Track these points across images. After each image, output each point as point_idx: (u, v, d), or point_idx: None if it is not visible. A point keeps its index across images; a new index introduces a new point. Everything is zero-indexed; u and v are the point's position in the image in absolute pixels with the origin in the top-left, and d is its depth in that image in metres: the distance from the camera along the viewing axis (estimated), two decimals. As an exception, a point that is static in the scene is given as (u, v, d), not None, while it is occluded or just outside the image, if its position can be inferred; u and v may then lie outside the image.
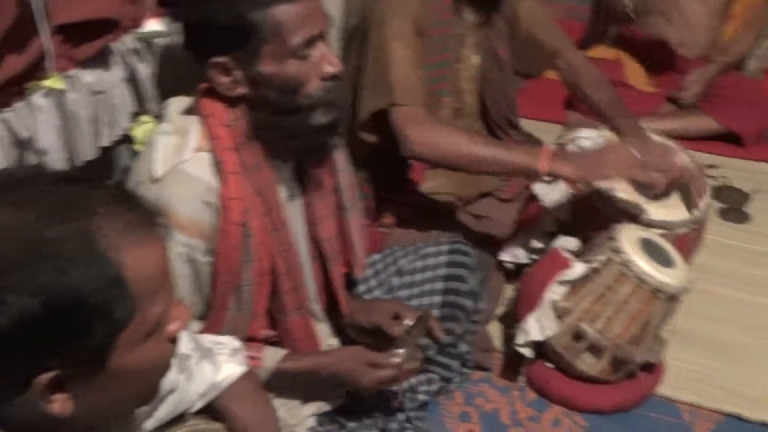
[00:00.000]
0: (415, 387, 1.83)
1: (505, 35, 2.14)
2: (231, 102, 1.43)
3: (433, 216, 2.12)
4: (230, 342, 1.37)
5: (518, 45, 2.17)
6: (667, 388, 2.00)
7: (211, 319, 1.51)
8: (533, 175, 1.89)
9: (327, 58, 1.43)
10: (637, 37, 3.21)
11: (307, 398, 1.67)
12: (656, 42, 3.15)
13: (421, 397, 1.85)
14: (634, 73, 3.21)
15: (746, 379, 2.06)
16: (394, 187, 2.11)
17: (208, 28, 1.38)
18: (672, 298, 1.86)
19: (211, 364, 1.30)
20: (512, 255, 2.14)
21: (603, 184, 1.96)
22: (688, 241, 2.06)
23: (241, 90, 1.42)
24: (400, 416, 1.77)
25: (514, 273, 2.17)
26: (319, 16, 1.43)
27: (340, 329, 1.76)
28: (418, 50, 1.93)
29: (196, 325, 1.49)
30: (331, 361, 1.59)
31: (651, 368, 1.95)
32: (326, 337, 1.73)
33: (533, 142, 2.32)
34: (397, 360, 1.58)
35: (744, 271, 2.44)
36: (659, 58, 3.21)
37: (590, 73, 2.20)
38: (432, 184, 2.11)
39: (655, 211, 2.00)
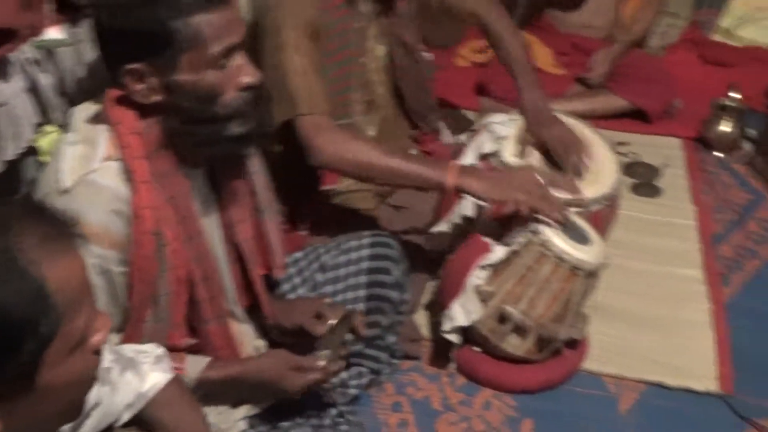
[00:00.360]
0: (345, 381, 1.83)
1: (412, 19, 2.14)
2: (143, 109, 1.41)
3: (353, 214, 2.11)
4: (153, 350, 1.34)
5: (433, 18, 2.17)
6: (591, 362, 2.04)
7: (129, 331, 1.48)
8: (441, 190, 1.90)
9: (244, 69, 1.42)
10: (540, 24, 3.28)
11: (236, 402, 1.66)
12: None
13: (352, 391, 1.85)
14: (542, 57, 3.27)
15: (666, 348, 2.12)
16: (309, 193, 2.10)
17: (126, 35, 1.36)
18: (591, 274, 1.90)
19: (135, 374, 1.28)
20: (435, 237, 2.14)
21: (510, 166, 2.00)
22: (602, 217, 2.11)
23: (156, 97, 1.39)
24: (333, 412, 1.77)
25: (438, 261, 2.18)
26: (237, 26, 1.41)
27: (266, 329, 1.75)
28: (315, 56, 1.92)
29: (115, 338, 1.46)
30: (256, 369, 1.58)
31: (575, 344, 1.99)
32: (251, 339, 1.71)
33: (457, 119, 2.33)
34: (321, 363, 1.58)
35: (657, 243, 2.51)
36: (565, 41, 3.28)
37: (508, 30, 2.22)
38: (348, 182, 2.11)
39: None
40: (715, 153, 3.02)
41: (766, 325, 2.23)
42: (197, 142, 1.45)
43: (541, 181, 1.86)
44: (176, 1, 1.34)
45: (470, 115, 2.92)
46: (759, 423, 1.92)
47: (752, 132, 3.02)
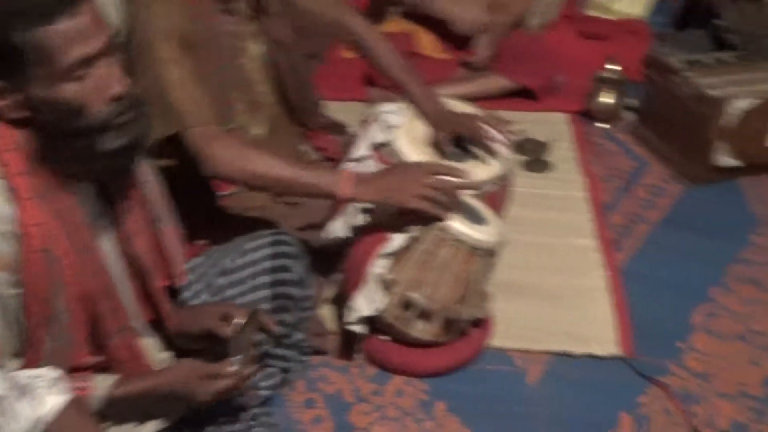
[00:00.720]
0: (256, 383, 1.81)
1: (285, 18, 2.13)
2: (16, 125, 1.35)
3: (248, 218, 2.09)
4: (48, 373, 1.31)
5: (299, 22, 2.16)
6: (498, 339, 2.08)
7: (29, 355, 1.43)
8: (334, 199, 1.91)
9: (111, 78, 1.36)
10: (419, 13, 3.32)
11: (146, 417, 1.63)
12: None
13: (264, 393, 1.83)
14: (426, 43, 3.30)
15: (568, 317, 2.18)
16: (203, 202, 2.07)
17: None
18: (490, 253, 1.93)
19: (31, 399, 1.24)
20: (332, 232, 2.14)
21: (405, 159, 2.02)
22: (497, 197, 2.15)
23: (22, 113, 1.34)
24: (245, 416, 1.75)
25: (339, 253, 2.18)
26: (94, 34, 1.34)
27: (171, 341, 1.72)
28: (192, 66, 1.89)
29: (14, 364, 1.41)
30: (167, 381, 1.55)
31: (480, 323, 2.02)
32: (156, 352, 1.68)
33: (337, 127, 2.34)
34: (233, 368, 1.56)
35: (552, 216, 2.58)
36: (447, 27, 3.32)
37: (375, 39, 2.23)
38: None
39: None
40: (600, 124, 3.12)
41: (659, 287, 2.31)
42: (73, 157, 1.40)
43: (432, 170, 1.88)
44: (18, 13, 1.29)
45: (357, 108, 2.92)
46: (659, 380, 2.00)
47: (633, 102, 3.12)
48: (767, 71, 2.93)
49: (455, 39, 3.35)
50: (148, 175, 1.60)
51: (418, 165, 1.94)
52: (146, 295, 1.63)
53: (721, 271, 2.39)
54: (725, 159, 2.75)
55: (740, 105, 2.68)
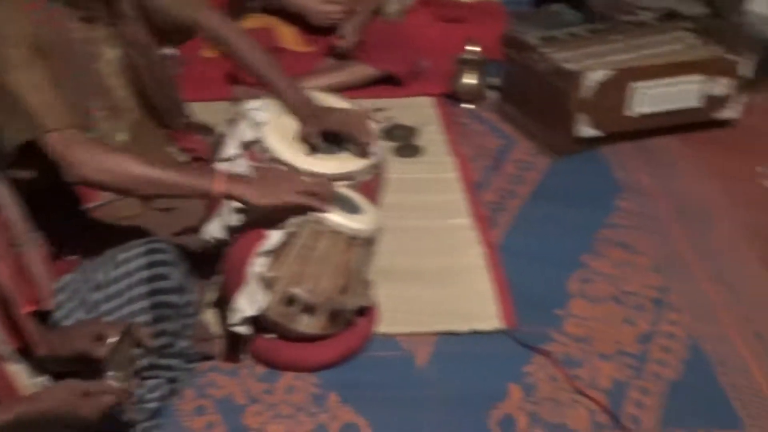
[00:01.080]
0: (142, 397, 1.77)
1: (139, 19, 2.07)
2: None
3: (120, 225, 2.03)
4: None
5: (154, 23, 2.11)
6: (384, 325, 2.10)
7: None
8: (208, 197, 1.88)
9: None
10: (276, 6, 3.30)
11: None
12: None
13: (152, 405, 1.79)
14: (288, 36, 3.29)
15: (450, 297, 2.21)
16: (70, 214, 2.00)
17: None
18: (368, 241, 1.94)
19: None
20: (208, 234, 2.11)
21: (276, 155, 2.01)
22: (371, 185, 2.16)
23: None
24: (134, 431, 1.71)
25: (217, 255, 2.15)
26: None
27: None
28: (46, 71, 1.82)
29: None
30: (45, 404, 1.48)
31: (365, 312, 2.03)
32: (27, 378, 1.61)
33: (204, 127, 2.30)
34: (112, 383, 1.52)
35: (426, 199, 2.61)
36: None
37: (236, 36, 2.20)
38: (108, 194, 2.02)
39: (333, 165, 2.07)
40: (465, 105, 3.17)
41: (535, 259, 2.38)
42: None
43: (305, 180, 1.88)
44: None
45: (223, 108, 2.87)
46: (543, 349, 2.06)
47: (495, 80, 3.20)
48: (619, 43, 3.06)
49: (317, 30, 3.34)
50: (6, 197, 1.54)
51: (293, 173, 1.94)
52: (11, 322, 1.56)
53: (591, 238, 2.48)
54: (586, 130, 2.85)
55: (596, 77, 2.78)
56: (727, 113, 3.01)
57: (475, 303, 2.20)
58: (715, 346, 2.10)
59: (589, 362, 2.04)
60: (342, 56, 3.26)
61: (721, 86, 2.95)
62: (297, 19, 3.33)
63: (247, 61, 2.19)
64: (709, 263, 2.39)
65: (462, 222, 2.52)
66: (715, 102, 2.97)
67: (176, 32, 2.18)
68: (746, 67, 2.98)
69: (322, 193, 1.86)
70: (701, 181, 2.79)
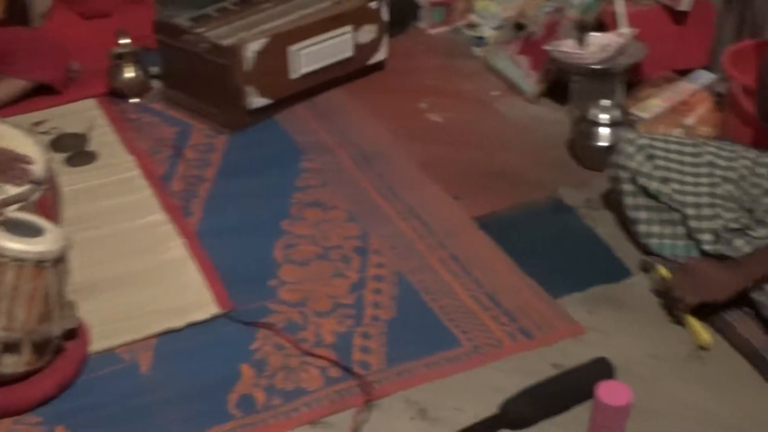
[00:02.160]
0: None
1: None
2: None
3: None
4: None
5: None
6: (98, 342, 2.00)
7: None
8: None
9: None
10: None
11: None
12: None
13: None
14: None
15: (161, 295, 2.16)
16: None
17: None
18: (57, 261, 1.83)
19: None
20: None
21: None
22: (47, 202, 2.04)
23: None
24: None
25: None
26: None
27: None
28: None
29: None
30: None
31: (74, 334, 1.92)
32: None
33: None
34: None
35: (113, 203, 2.51)
36: None
37: None
38: None
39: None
40: (132, 100, 3.08)
41: (236, 237, 2.39)
42: None
43: None
44: None
45: None
46: (264, 322, 2.08)
47: (155, 69, 3.13)
48: (266, 11, 3.12)
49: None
50: None
51: None
52: None
53: (286, 204, 2.52)
54: (256, 101, 2.88)
55: (253, 47, 2.81)
56: (378, 56, 3.23)
57: (187, 295, 2.16)
58: (421, 276, 2.24)
59: (311, 323, 2.09)
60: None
61: (369, 33, 3.13)
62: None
63: None
64: (398, 202, 2.53)
65: (156, 218, 2.45)
66: (366, 49, 3.15)
67: None
68: (385, 12, 3.17)
69: None
70: (373, 125, 2.94)
